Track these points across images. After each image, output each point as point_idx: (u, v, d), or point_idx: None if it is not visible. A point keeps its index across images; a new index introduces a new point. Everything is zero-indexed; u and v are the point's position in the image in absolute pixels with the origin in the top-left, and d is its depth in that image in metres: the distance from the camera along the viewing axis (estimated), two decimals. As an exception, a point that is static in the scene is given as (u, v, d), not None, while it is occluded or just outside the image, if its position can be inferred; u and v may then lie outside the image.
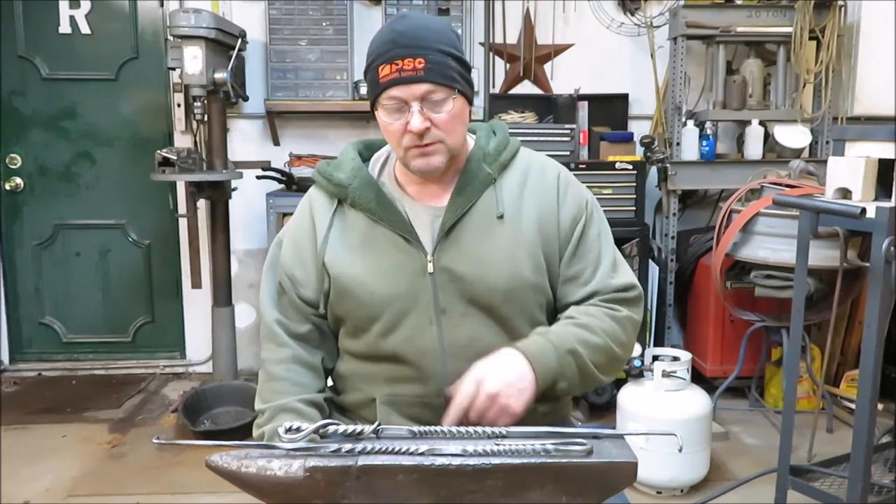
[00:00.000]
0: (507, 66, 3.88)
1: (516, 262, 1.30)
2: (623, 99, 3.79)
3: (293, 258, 1.37)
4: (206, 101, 3.19)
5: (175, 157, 3.07)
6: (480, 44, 3.70)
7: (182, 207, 3.60)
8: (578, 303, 1.35)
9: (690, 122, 3.59)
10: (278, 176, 3.49)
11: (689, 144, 3.56)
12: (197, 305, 3.91)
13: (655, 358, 2.71)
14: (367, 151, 1.43)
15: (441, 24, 1.31)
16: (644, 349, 2.84)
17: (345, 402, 1.41)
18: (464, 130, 1.32)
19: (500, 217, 1.32)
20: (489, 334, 1.31)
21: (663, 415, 2.59)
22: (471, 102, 1.34)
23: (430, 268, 1.30)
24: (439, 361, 1.30)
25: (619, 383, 2.92)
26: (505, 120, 3.58)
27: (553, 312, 1.40)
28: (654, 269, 3.62)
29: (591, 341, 1.28)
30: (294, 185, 3.49)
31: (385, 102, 1.25)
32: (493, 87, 3.82)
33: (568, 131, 3.47)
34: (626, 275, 1.39)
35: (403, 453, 1.01)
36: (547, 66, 3.90)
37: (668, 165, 3.51)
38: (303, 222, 1.39)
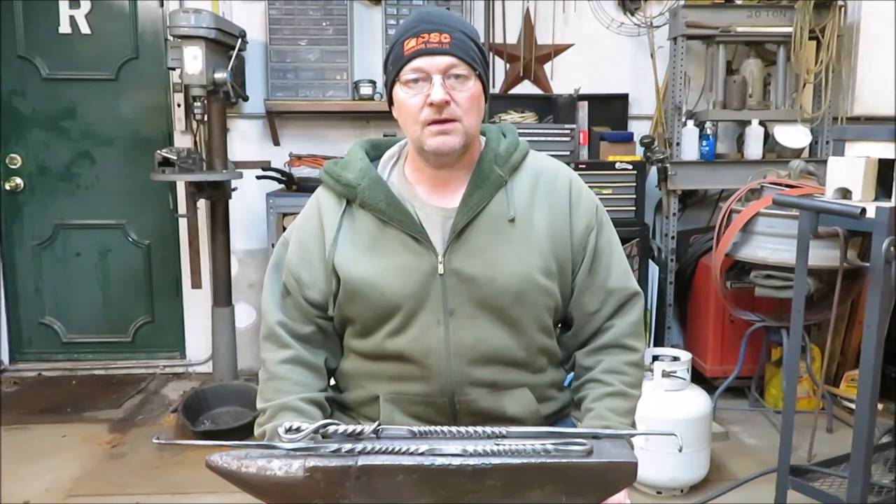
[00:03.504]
0: (507, 66, 3.88)
1: (527, 265, 1.30)
2: (623, 99, 3.79)
3: (300, 259, 1.36)
4: (206, 101, 3.18)
5: (175, 157, 3.06)
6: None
7: (182, 207, 3.60)
8: (594, 312, 1.38)
9: (690, 122, 3.59)
10: (278, 176, 3.49)
11: (689, 144, 3.56)
12: (197, 305, 3.91)
13: (655, 358, 2.72)
14: (373, 151, 1.42)
15: (465, 20, 1.36)
16: (643, 354, 2.84)
17: (347, 400, 1.42)
18: (480, 118, 1.32)
19: (512, 220, 1.31)
20: (495, 336, 1.31)
21: (663, 415, 2.59)
22: (486, 98, 1.34)
23: (440, 269, 1.29)
24: (444, 361, 1.30)
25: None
26: (505, 120, 3.59)
27: (561, 316, 1.40)
28: (654, 269, 3.62)
29: (631, 405, 1.36)
30: (294, 186, 3.48)
31: (407, 76, 1.26)
32: (493, 87, 3.83)
33: (568, 131, 3.48)
34: (632, 278, 1.43)
35: (403, 453, 1.01)
36: (547, 66, 3.90)
37: (668, 165, 3.51)
38: (310, 223, 1.38)
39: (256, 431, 1.33)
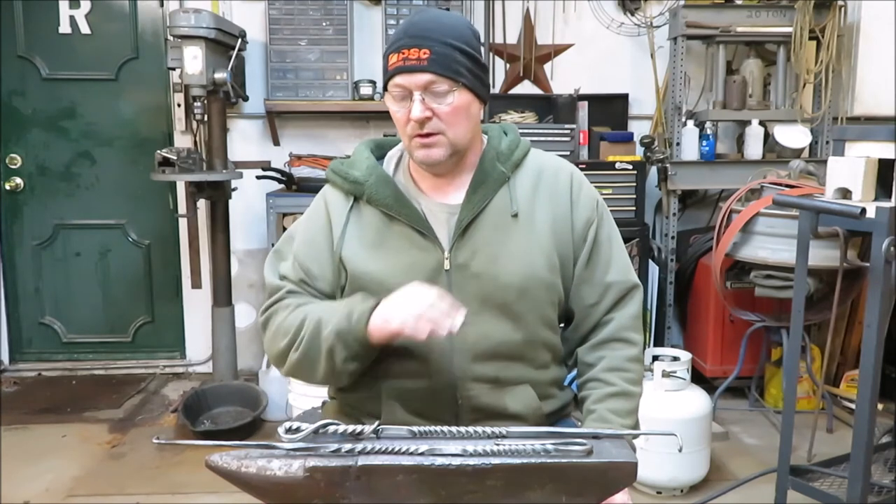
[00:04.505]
0: (507, 66, 3.88)
1: (530, 261, 1.32)
2: (623, 99, 3.79)
3: (308, 253, 1.37)
4: (206, 101, 3.19)
5: (175, 157, 3.07)
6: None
7: (182, 207, 3.60)
8: (593, 305, 1.39)
9: (690, 122, 3.59)
10: (278, 176, 3.49)
11: (689, 144, 3.56)
12: (197, 305, 3.91)
13: (655, 358, 2.72)
14: (378, 150, 1.44)
15: (457, 20, 1.34)
16: (644, 349, 2.84)
17: (349, 397, 1.42)
18: (469, 126, 1.33)
19: (515, 216, 1.33)
20: (499, 332, 1.31)
21: (663, 415, 2.59)
22: (483, 100, 1.35)
23: (446, 265, 1.30)
24: (447, 357, 1.30)
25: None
26: (505, 120, 3.59)
27: (564, 311, 1.42)
28: (654, 269, 3.62)
29: (633, 405, 1.37)
30: (294, 185, 3.48)
31: (391, 90, 1.29)
32: (493, 87, 3.83)
33: (568, 131, 3.47)
34: (632, 272, 1.44)
35: (403, 453, 1.01)
36: (547, 66, 3.90)
37: (668, 165, 3.51)
38: (318, 218, 1.39)
39: (326, 331, 1.25)
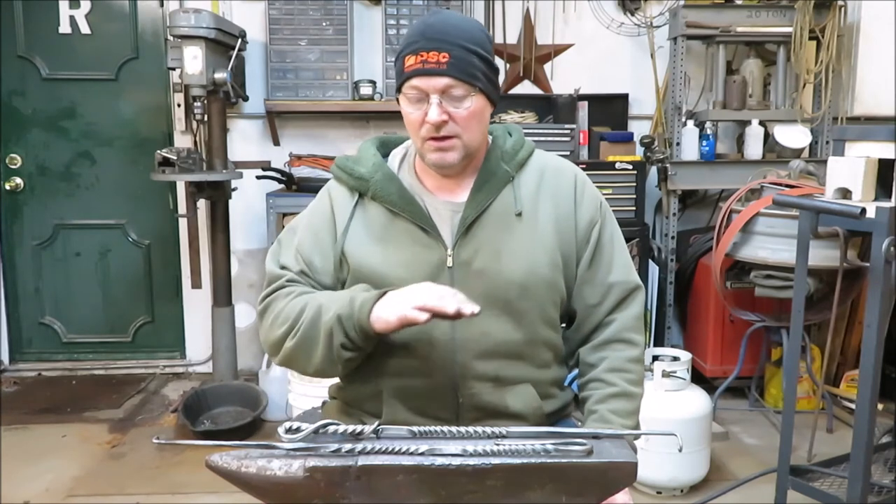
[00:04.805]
0: (507, 66, 3.88)
1: (533, 259, 1.33)
2: (623, 99, 3.79)
3: (311, 245, 1.38)
4: (206, 101, 3.19)
5: (175, 157, 3.07)
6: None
7: (182, 207, 3.60)
8: (595, 305, 1.40)
9: (690, 122, 3.59)
10: (278, 176, 3.49)
11: (689, 144, 3.56)
12: (197, 305, 3.91)
13: (655, 358, 2.72)
14: (382, 148, 1.45)
15: (472, 24, 1.34)
16: (644, 349, 2.84)
17: (350, 396, 1.42)
18: (482, 129, 1.34)
19: (518, 214, 1.34)
20: (501, 330, 1.32)
21: (663, 415, 2.59)
22: (493, 104, 1.35)
23: (449, 262, 1.31)
24: (448, 355, 1.31)
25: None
26: (505, 120, 3.59)
27: (566, 311, 1.42)
28: (654, 269, 3.62)
29: (634, 406, 1.37)
30: (294, 185, 3.48)
31: (407, 92, 1.29)
32: (494, 87, 3.83)
33: (568, 131, 3.47)
34: (635, 273, 1.45)
35: (403, 453, 1.01)
36: (547, 66, 3.90)
37: (668, 165, 3.51)
38: (322, 213, 1.40)
39: (326, 318, 1.24)
